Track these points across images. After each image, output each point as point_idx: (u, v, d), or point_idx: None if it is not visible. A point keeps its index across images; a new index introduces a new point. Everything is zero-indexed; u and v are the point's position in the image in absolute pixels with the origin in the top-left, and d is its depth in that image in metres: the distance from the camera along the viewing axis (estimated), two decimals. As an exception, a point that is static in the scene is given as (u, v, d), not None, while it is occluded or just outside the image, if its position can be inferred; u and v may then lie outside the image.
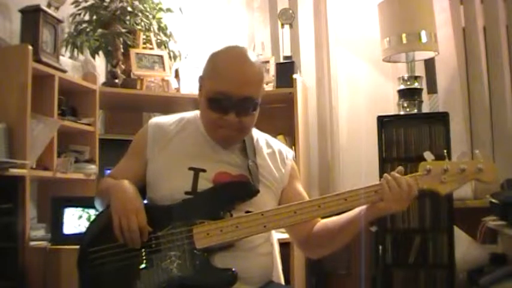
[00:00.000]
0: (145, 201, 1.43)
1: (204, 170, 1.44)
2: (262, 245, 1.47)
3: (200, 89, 1.48)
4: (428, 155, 1.36)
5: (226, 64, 1.41)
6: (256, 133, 1.59)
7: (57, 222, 2.41)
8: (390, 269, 2.94)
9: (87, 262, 1.36)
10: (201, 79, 1.48)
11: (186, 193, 1.41)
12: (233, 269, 1.32)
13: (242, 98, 1.38)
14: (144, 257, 1.33)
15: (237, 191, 1.42)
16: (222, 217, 1.36)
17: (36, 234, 2.42)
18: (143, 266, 1.32)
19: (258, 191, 1.41)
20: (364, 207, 1.38)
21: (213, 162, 1.46)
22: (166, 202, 1.41)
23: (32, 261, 2.27)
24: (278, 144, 1.62)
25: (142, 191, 1.47)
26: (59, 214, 2.42)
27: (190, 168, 1.44)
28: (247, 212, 1.39)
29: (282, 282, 1.72)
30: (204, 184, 1.42)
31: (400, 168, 1.39)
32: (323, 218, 1.47)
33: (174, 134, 1.52)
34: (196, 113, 1.58)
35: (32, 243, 2.33)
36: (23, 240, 2.26)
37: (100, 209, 1.50)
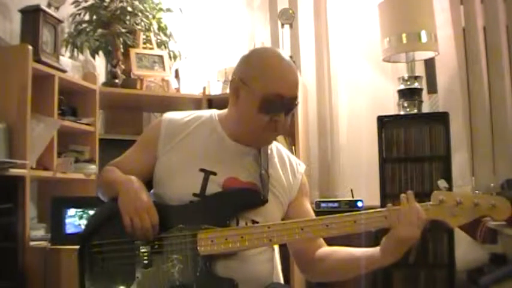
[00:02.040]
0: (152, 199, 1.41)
1: (214, 173, 1.41)
2: (264, 252, 1.44)
3: (237, 93, 1.41)
4: (442, 183, 1.35)
5: (277, 65, 1.38)
6: None
7: (57, 222, 2.41)
8: (390, 269, 2.94)
9: (88, 253, 1.35)
10: (242, 83, 1.39)
11: (194, 195, 1.39)
12: (234, 280, 1.30)
13: (293, 98, 1.38)
14: (145, 256, 1.32)
15: (245, 199, 1.39)
16: (228, 224, 1.34)
17: (36, 234, 2.42)
18: (143, 265, 1.32)
19: (266, 201, 1.39)
20: (378, 249, 1.34)
21: (224, 166, 1.42)
22: (173, 202, 1.39)
23: (32, 261, 2.27)
24: (289, 155, 1.59)
25: (147, 185, 1.44)
26: (59, 214, 2.42)
27: (201, 170, 1.41)
28: (253, 221, 1.38)
29: (282, 281, 1.71)
30: (213, 188, 1.39)
31: (410, 192, 1.34)
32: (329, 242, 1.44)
33: (188, 132, 1.48)
34: (214, 113, 1.53)
35: (32, 243, 2.33)
36: (23, 240, 2.26)
37: (103, 199, 1.48)
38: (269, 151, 1.50)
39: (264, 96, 1.35)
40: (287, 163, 1.54)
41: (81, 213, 2.45)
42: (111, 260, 1.34)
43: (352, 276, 1.43)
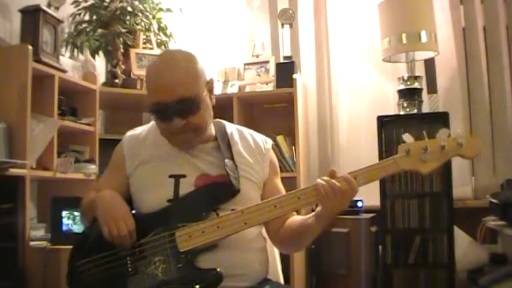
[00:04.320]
0: (133, 212, 1.44)
1: (184, 176, 1.44)
2: (254, 240, 1.47)
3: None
4: (407, 137, 1.35)
5: (151, 74, 1.41)
6: (229, 127, 1.58)
7: (57, 222, 2.41)
8: (390, 269, 2.94)
9: (75, 276, 1.40)
10: None
11: (169, 201, 1.42)
12: (218, 269, 1.32)
13: (176, 101, 1.36)
14: (129, 266, 1.34)
15: (217, 192, 1.41)
16: (204, 218, 1.36)
17: (36, 234, 2.42)
18: (129, 273, 1.34)
19: (238, 190, 1.42)
20: (313, 217, 1.37)
21: (191, 167, 1.46)
22: (150, 211, 1.42)
23: (32, 261, 2.27)
24: (253, 135, 1.60)
25: (129, 203, 1.48)
26: (59, 214, 2.42)
27: (171, 176, 1.44)
28: (233, 210, 1.39)
29: (282, 281, 1.72)
30: (187, 189, 1.42)
31: (334, 170, 1.36)
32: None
33: (147, 145, 1.52)
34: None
35: (32, 243, 2.33)
36: (23, 240, 2.26)
37: (86, 224, 1.52)
38: (229, 137, 1.53)
39: (150, 107, 1.40)
40: (251, 143, 1.56)
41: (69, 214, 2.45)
42: (98, 276, 1.36)
43: (303, 245, 1.49)
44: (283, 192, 1.54)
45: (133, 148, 1.53)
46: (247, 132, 1.60)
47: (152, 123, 1.57)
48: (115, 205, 1.38)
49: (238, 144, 1.53)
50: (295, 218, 1.49)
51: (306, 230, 1.41)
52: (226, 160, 1.45)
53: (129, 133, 1.59)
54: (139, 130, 1.59)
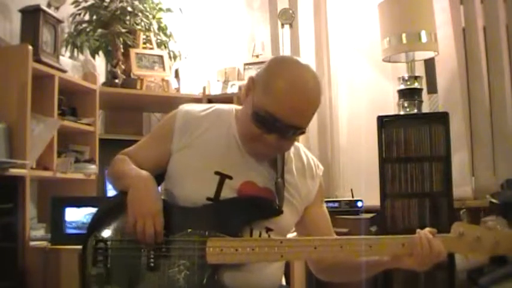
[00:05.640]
0: (162, 196, 1.36)
1: (230, 177, 1.34)
2: (274, 264, 1.39)
3: (248, 92, 1.33)
4: (464, 215, 1.31)
5: (286, 86, 1.25)
6: None
7: (57, 222, 2.41)
8: (390, 269, 2.93)
9: (92, 250, 1.30)
10: (253, 83, 1.32)
11: (208, 199, 1.33)
12: None
13: (290, 126, 1.26)
14: (152, 259, 1.27)
15: (260, 208, 1.34)
16: (239, 235, 1.29)
17: (36, 234, 2.42)
18: (149, 267, 1.27)
19: (281, 212, 1.34)
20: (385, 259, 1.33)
21: (241, 170, 1.36)
22: (185, 203, 1.34)
23: (32, 261, 2.27)
24: (308, 156, 1.50)
25: (159, 177, 1.39)
26: (59, 214, 2.42)
27: (217, 173, 1.34)
28: (267, 228, 1.34)
29: (283, 282, 1.71)
30: (228, 192, 1.34)
31: (434, 230, 1.31)
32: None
33: (204, 129, 1.39)
34: (232, 108, 1.45)
35: (32, 243, 2.32)
36: (23, 240, 2.26)
37: (113, 189, 1.43)
38: (286, 154, 1.42)
39: (257, 109, 1.27)
40: (306, 166, 1.46)
41: (81, 213, 2.44)
42: (116, 259, 1.29)
43: (362, 277, 1.42)
44: (328, 218, 1.49)
45: (189, 123, 1.39)
46: (303, 150, 1.50)
47: (213, 106, 1.46)
48: (149, 198, 1.27)
49: (293, 163, 1.44)
50: None
51: (377, 265, 1.36)
52: (278, 178, 1.36)
53: (187, 107, 1.44)
54: (198, 108, 1.44)
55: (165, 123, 1.44)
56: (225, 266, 1.27)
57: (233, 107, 1.46)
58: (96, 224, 1.33)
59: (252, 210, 1.33)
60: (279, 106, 1.24)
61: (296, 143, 1.45)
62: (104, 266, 1.29)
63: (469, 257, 1.29)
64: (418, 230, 1.29)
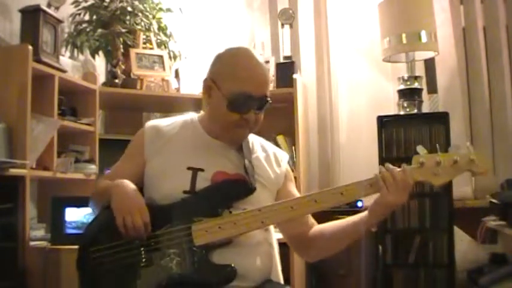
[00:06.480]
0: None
1: (202, 170, 1.46)
2: (260, 244, 1.48)
3: (209, 92, 1.48)
4: (420, 149, 1.38)
5: (245, 65, 1.45)
6: (251, 137, 1.60)
7: (57, 222, 2.41)
8: (390, 269, 2.94)
9: (87, 262, 1.38)
10: (213, 82, 1.47)
11: (185, 192, 1.43)
12: (232, 265, 1.35)
13: (261, 96, 1.44)
14: (143, 256, 1.35)
15: (234, 189, 1.44)
16: (220, 215, 1.38)
17: (36, 234, 2.42)
18: (143, 264, 1.34)
19: (254, 189, 1.44)
20: (365, 213, 1.43)
21: (210, 162, 1.48)
22: (165, 202, 1.43)
23: (32, 261, 2.27)
24: (273, 148, 1.64)
25: (140, 192, 1.48)
26: (59, 214, 2.42)
27: (189, 168, 1.46)
28: (245, 209, 1.40)
29: (282, 282, 1.72)
30: (203, 183, 1.44)
31: (388, 164, 1.40)
32: (320, 222, 1.50)
33: (171, 135, 1.54)
34: (193, 115, 1.61)
35: (32, 243, 2.33)
36: (23, 240, 2.26)
37: (96, 210, 1.52)
38: (251, 145, 1.56)
39: (233, 95, 1.42)
40: (271, 156, 1.59)
41: (81, 213, 2.44)
42: (110, 264, 1.36)
43: (345, 245, 1.50)
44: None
45: (156, 135, 1.54)
46: (269, 146, 1.64)
47: (174, 117, 1.62)
48: (131, 196, 1.38)
49: (258, 153, 1.57)
50: (326, 224, 1.53)
51: (353, 228, 1.45)
52: (246, 161, 1.48)
53: (152, 122, 1.61)
54: (162, 121, 1.61)
55: (135, 141, 1.58)
56: (213, 248, 1.36)
57: (192, 114, 1.63)
58: (87, 240, 1.43)
59: (228, 192, 1.43)
60: (247, 82, 1.42)
61: (262, 140, 1.63)
62: (101, 275, 1.37)
63: (436, 182, 1.36)
64: (379, 166, 1.39)
